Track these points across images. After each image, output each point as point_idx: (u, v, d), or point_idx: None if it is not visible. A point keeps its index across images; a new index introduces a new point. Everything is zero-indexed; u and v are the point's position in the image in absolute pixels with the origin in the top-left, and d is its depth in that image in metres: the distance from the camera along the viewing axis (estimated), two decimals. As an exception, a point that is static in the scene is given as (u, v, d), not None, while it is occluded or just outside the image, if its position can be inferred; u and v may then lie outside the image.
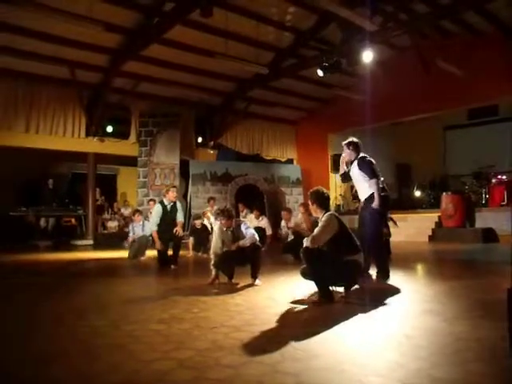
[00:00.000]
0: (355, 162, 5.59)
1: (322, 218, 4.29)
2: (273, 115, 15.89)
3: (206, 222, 9.80)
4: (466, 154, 15.24)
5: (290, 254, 7.94)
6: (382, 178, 5.54)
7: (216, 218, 8.05)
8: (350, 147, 5.63)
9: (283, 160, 16.64)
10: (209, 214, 9.91)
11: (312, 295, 4.33)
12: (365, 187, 5.49)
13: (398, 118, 13.84)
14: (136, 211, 10.04)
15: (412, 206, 14.46)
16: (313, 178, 15.32)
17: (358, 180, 5.58)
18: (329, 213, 4.33)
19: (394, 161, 16.93)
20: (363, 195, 5.55)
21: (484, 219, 11.24)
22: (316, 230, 4.22)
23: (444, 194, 12.00)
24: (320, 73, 11.17)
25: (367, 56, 10.42)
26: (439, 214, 12.01)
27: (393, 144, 16.35)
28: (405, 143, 16.47)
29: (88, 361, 2.67)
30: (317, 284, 4.23)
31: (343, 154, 5.72)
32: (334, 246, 4.16)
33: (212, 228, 7.52)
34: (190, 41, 10.76)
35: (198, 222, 9.71)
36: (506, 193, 11.45)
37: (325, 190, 4.54)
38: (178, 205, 7.73)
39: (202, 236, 9.52)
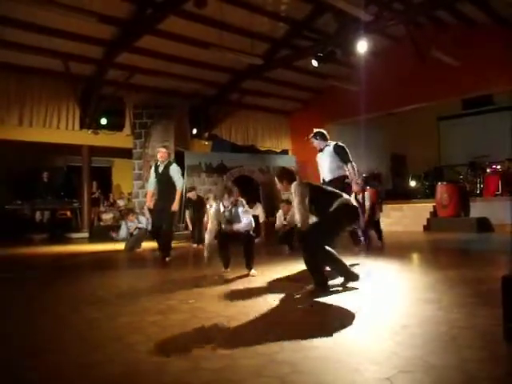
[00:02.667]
0: (327, 149, 6.23)
1: (292, 190, 4.37)
2: (267, 106, 15.84)
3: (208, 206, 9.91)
4: (461, 144, 15.29)
5: (286, 245, 7.97)
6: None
7: (217, 199, 8.05)
8: (317, 137, 6.29)
9: (278, 151, 16.62)
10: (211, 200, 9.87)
11: (308, 286, 4.33)
12: (333, 168, 6.15)
13: (392, 108, 13.82)
14: (129, 211, 10.03)
15: (407, 195, 14.51)
16: (308, 169, 15.28)
17: (329, 163, 6.19)
18: (293, 183, 4.40)
19: (389, 151, 16.95)
20: (329, 176, 6.14)
21: (479, 209, 11.29)
22: (296, 212, 4.29)
23: (439, 183, 12.04)
24: (314, 63, 11.12)
25: (362, 46, 10.39)
26: (434, 204, 12.06)
27: (387, 134, 16.34)
28: (399, 133, 16.48)
29: (86, 352, 2.67)
30: (312, 272, 4.24)
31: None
32: (317, 205, 4.28)
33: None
34: (184, 32, 10.66)
35: (192, 194, 9.69)
36: (500, 182, 11.50)
37: (287, 167, 4.95)
38: (173, 168, 7.14)
39: (198, 207, 9.50)
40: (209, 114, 14.54)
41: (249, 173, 14.30)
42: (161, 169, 7.12)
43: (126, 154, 13.69)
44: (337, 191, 4.49)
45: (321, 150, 6.38)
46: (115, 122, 12.98)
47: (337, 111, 14.41)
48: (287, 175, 4.58)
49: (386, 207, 13.34)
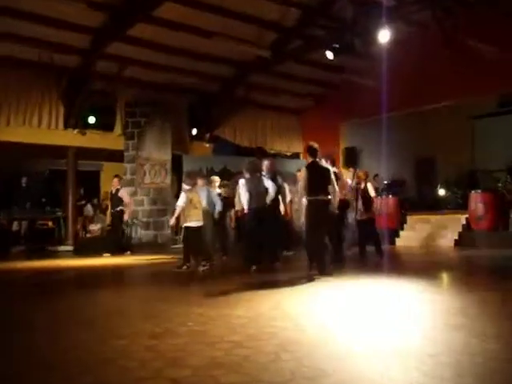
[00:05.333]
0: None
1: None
2: (277, 104, 15.88)
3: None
4: (499, 147, 15.19)
5: None
6: None
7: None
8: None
9: (288, 154, 16.64)
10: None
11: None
12: None
13: (418, 106, 13.78)
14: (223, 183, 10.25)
15: (435, 206, 14.45)
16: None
17: None
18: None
19: (414, 155, 16.89)
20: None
21: (519, 221, 11.23)
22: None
23: (473, 192, 11.99)
24: (330, 55, 11.16)
25: (383, 35, 10.36)
26: (467, 216, 12.01)
27: (413, 136, 16.27)
28: (427, 135, 16.39)
29: (77, 374, 2.71)
30: None
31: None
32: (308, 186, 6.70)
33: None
34: (183, 19, 10.71)
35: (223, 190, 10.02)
36: (545, 191, 11.44)
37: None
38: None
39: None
40: (210, 113, 14.56)
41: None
42: None
43: (116, 156, 13.76)
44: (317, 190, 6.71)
45: None
46: (105, 120, 13.02)
47: (354, 109, 14.39)
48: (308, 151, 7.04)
49: (411, 219, 13.31)
